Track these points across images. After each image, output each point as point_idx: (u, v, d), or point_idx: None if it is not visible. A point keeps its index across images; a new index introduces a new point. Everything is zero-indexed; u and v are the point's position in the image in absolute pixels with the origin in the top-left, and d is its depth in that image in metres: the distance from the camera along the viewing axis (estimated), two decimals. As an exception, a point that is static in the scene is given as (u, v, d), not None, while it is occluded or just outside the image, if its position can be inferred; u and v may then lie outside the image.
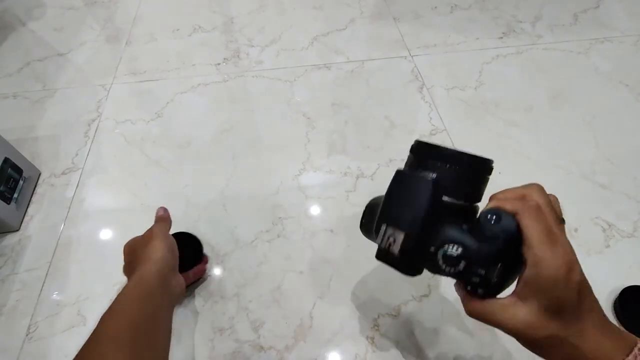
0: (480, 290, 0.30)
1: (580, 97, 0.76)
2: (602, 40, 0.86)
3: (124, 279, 0.54)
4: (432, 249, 0.31)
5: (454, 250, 0.30)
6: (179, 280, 0.47)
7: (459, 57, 0.85)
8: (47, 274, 0.57)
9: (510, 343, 0.49)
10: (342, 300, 0.54)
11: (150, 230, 0.50)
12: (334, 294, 0.54)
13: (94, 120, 0.77)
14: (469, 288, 0.31)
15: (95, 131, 0.75)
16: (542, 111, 0.74)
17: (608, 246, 0.57)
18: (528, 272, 0.28)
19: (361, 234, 0.42)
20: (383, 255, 0.34)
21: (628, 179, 0.64)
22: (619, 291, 0.51)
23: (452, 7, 0.96)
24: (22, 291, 0.56)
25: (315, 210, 0.63)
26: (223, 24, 0.96)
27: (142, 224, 0.62)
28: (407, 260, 0.32)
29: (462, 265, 0.30)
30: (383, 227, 0.33)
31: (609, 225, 0.59)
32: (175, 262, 0.48)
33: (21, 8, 1.03)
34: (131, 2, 1.03)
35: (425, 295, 0.54)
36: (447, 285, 0.54)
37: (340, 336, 0.51)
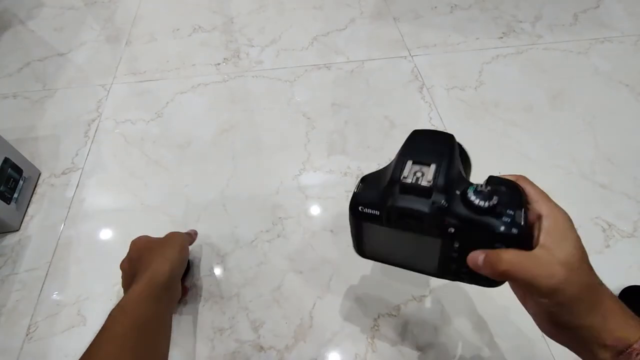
0: (514, 230, 0.28)
1: (580, 97, 0.76)
2: (602, 40, 0.86)
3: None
4: (458, 192, 0.30)
5: (483, 187, 0.29)
6: (179, 287, 0.49)
7: (459, 57, 0.85)
8: (47, 274, 0.57)
9: (511, 342, 0.49)
10: (342, 300, 0.54)
11: (173, 234, 0.52)
12: (334, 294, 0.54)
13: (94, 120, 0.77)
14: (502, 229, 0.28)
15: (95, 131, 0.75)
16: (542, 111, 0.74)
17: (608, 246, 0.57)
18: (546, 222, 0.28)
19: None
20: (406, 192, 0.30)
21: (628, 179, 0.64)
22: (619, 291, 0.51)
23: (452, 7, 0.96)
24: (22, 291, 0.56)
25: (315, 210, 0.63)
26: (223, 24, 0.96)
27: (142, 224, 0.62)
28: (438, 193, 0.29)
29: (495, 199, 0.28)
30: (408, 163, 0.31)
31: (609, 225, 0.59)
32: (183, 270, 0.51)
33: (21, 8, 1.03)
34: (131, 2, 1.03)
35: (425, 295, 0.54)
36: (447, 285, 0.54)
37: (340, 336, 0.51)
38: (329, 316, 0.52)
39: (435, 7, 0.96)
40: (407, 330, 0.51)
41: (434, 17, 0.94)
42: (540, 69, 0.81)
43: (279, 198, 0.64)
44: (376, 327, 0.51)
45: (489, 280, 0.31)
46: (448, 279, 0.34)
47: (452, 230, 0.29)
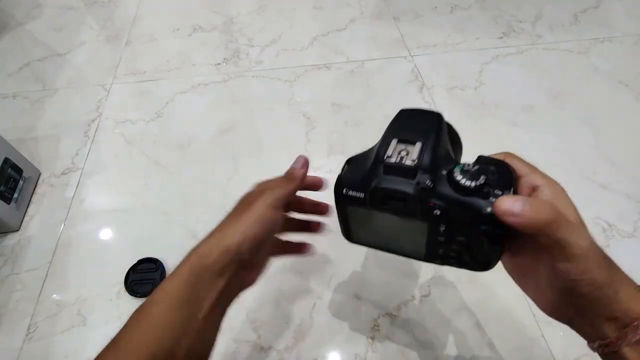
0: None
1: (580, 97, 0.76)
2: (602, 40, 0.86)
3: (122, 280, 0.54)
4: (444, 171, 0.28)
5: (470, 166, 0.28)
6: None
7: (459, 57, 0.85)
8: (47, 274, 0.57)
9: (511, 342, 0.49)
10: (342, 300, 0.54)
11: (256, 193, 0.34)
12: (334, 294, 0.54)
13: (94, 120, 0.76)
14: (489, 210, 0.26)
15: (95, 131, 0.75)
16: (542, 111, 0.74)
17: (608, 246, 0.57)
18: (546, 190, 0.27)
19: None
20: (390, 172, 0.28)
21: (628, 179, 0.64)
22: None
23: (452, 7, 0.96)
24: (22, 291, 0.56)
25: (315, 210, 0.63)
26: (223, 24, 0.96)
27: (142, 224, 0.62)
28: (423, 173, 0.28)
29: (482, 178, 0.27)
30: (393, 142, 0.30)
31: (609, 225, 0.59)
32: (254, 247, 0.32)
33: (21, 8, 1.03)
34: (131, 2, 1.03)
35: (425, 295, 0.54)
36: (447, 286, 0.54)
37: (340, 336, 0.51)
38: (329, 316, 0.52)
39: (435, 7, 0.96)
40: (407, 330, 0.51)
41: (434, 17, 0.94)
42: (541, 69, 0.81)
43: (279, 198, 0.64)
44: (376, 327, 0.51)
45: (478, 264, 0.30)
46: (436, 264, 0.33)
47: (438, 212, 0.28)
